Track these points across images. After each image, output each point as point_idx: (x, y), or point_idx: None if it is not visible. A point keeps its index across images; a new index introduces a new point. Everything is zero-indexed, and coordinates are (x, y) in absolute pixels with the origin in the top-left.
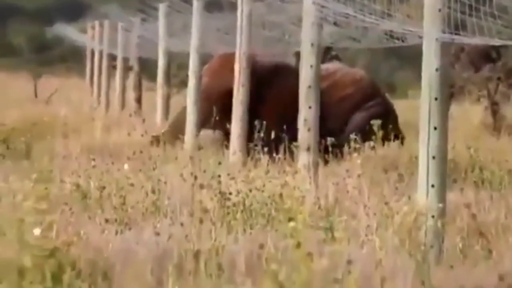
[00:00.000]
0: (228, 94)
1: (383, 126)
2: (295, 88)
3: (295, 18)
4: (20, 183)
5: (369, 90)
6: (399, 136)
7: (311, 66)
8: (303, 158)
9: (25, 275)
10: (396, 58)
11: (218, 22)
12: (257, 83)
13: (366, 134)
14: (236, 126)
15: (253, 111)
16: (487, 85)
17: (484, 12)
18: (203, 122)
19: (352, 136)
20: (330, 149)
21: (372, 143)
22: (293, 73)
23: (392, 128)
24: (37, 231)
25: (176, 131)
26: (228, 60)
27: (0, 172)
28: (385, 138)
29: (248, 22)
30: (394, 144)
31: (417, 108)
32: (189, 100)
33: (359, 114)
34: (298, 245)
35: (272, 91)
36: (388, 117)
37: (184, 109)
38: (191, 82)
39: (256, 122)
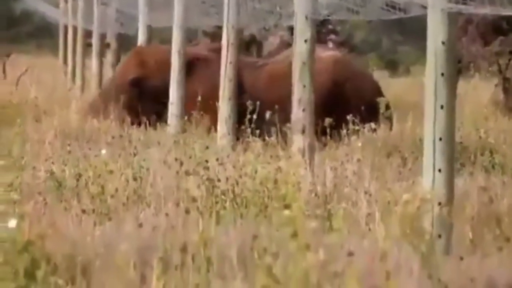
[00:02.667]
0: (131, 85)
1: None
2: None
3: None
4: None
5: (341, 76)
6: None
7: (306, 40)
8: (298, 141)
9: None
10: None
11: None
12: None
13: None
14: (225, 106)
15: None
16: (498, 60)
17: None
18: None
19: (350, 117)
20: (328, 130)
21: (372, 125)
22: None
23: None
24: (12, 223)
25: (104, 101)
26: (141, 52)
27: None
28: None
29: None
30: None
31: (422, 86)
32: (172, 81)
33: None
34: (294, 235)
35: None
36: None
37: (112, 78)
38: (175, 61)
39: (248, 103)
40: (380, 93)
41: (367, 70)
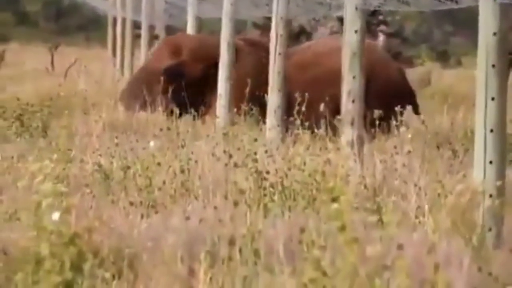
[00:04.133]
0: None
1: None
2: None
3: None
4: (36, 163)
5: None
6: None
7: (356, 31)
8: (347, 133)
9: (43, 264)
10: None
11: None
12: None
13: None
14: (274, 98)
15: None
16: None
17: None
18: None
19: (398, 108)
20: (377, 122)
21: (422, 116)
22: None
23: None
24: (55, 216)
25: (133, 91)
26: (172, 43)
27: (14, 152)
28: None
29: None
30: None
31: (473, 77)
32: (221, 74)
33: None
34: (343, 228)
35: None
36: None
37: (141, 69)
38: (223, 53)
39: (297, 94)
40: (405, 81)
41: (391, 60)
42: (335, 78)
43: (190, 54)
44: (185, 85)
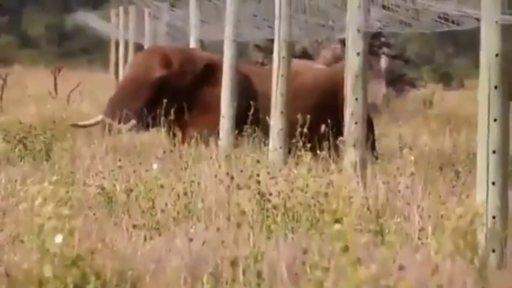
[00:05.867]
0: (153, 86)
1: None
2: None
3: (340, 1)
4: (39, 186)
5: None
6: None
7: (358, 53)
8: (350, 154)
9: (46, 287)
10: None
11: (255, 7)
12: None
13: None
14: (276, 120)
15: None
16: None
17: None
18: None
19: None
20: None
21: (425, 138)
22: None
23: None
24: (58, 238)
25: (121, 101)
26: (155, 52)
27: (17, 175)
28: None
29: (288, 7)
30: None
31: (475, 99)
32: (224, 95)
33: None
34: (346, 249)
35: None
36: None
37: (128, 79)
38: (226, 75)
39: (298, 116)
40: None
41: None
42: (305, 93)
43: (180, 64)
44: (176, 96)
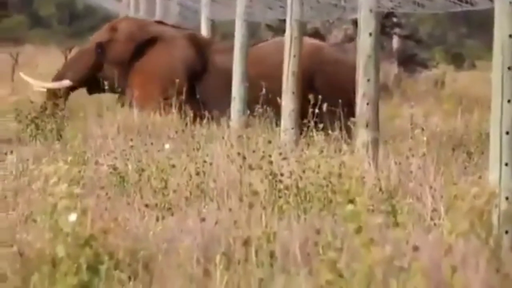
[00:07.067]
0: (93, 51)
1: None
2: None
3: None
4: (51, 166)
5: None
6: None
7: (370, 34)
8: (362, 135)
9: (59, 266)
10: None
11: None
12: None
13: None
14: (288, 100)
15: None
16: None
17: None
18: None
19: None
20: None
21: (436, 119)
22: None
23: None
24: (73, 217)
25: (68, 66)
26: (112, 24)
27: (30, 154)
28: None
29: None
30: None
31: (487, 79)
32: (235, 76)
33: None
34: (358, 230)
35: None
36: None
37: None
38: (237, 55)
39: (310, 96)
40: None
41: (351, 60)
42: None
43: (124, 34)
44: (114, 63)
